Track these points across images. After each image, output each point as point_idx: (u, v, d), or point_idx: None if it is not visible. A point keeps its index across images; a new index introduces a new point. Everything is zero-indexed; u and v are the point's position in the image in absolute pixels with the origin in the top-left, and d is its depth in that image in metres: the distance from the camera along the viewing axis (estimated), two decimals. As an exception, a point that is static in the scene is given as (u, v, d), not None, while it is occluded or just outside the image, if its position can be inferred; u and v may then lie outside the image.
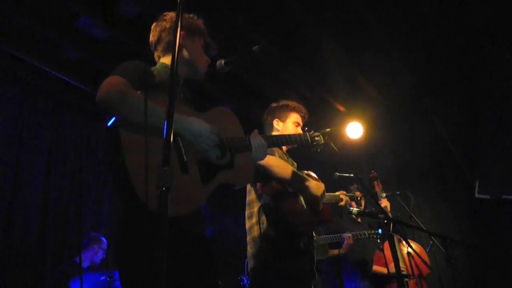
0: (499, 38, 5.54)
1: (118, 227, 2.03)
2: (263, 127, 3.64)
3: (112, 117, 1.89)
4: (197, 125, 2.03)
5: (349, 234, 4.93)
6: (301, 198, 3.19)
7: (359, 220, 5.48)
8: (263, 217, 3.07)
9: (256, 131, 2.46)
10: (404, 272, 4.55)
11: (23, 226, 5.30)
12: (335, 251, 5.13)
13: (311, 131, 2.93)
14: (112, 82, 1.92)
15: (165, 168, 1.39)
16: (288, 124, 3.54)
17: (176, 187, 1.86)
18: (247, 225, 3.22)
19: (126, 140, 1.82)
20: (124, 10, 4.82)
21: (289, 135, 2.81)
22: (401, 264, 4.54)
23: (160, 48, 2.42)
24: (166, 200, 1.37)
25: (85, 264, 5.26)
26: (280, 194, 3.06)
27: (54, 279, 5.01)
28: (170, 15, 2.41)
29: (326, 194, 3.46)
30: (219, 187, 2.15)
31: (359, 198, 3.88)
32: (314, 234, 4.06)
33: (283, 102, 3.64)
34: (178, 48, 1.63)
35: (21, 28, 4.87)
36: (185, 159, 1.95)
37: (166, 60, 2.38)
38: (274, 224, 3.02)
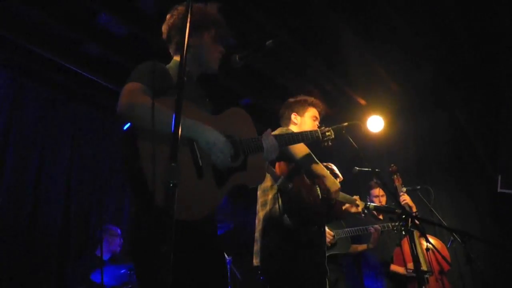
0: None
1: (133, 230, 2.07)
2: (281, 121, 3.67)
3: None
4: (212, 136, 2.03)
5: (376, 226, 4.89)
6: (318, 188, 3.19)
7: (380, 217, 5.43)
8: (278, 204, 3.06)
9: (268, 130, 2.47)
10: (423, 269, 4.51)
11: (45, 219, 5.40)
12: (362, 246, 5.08)
13: (321, 126, 2.95)
14: (131, 91, 1.96)
15: (173, 164, 1.40)
16: (306, 118, 3.58)
17: (193, 192, 1.94)
18: (261, 214, 3.22)
19: (143, 148, 1.85)
20: (144, 7, 4.87)
21: (301, 133, 2.80)
22: (421, 260, 4.50)
23: (170, 46, 2.45)
24: (174, 196, 1.38)
25: (106, 256, 5.35)
26: (298, 177, 3.09)
27: (76, 272, 5.10)
28: (179, 9, 2.41)
29: (344, 194, 3.47)
30: (233, 188, 2.17)
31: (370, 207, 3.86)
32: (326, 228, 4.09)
33: (301, 97, 3.68)
34: (186, 49, 1.63)
35: (42, 25, 4.96)
36: (200, 164, 1.99)
37: (178, 57, 2.31)
38: (288, 208, 3.01)
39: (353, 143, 3.26)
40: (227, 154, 2.06)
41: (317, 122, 3.60)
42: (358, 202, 3.70)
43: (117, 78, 5.63)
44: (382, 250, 5.06)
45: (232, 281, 5.46)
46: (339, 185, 3.23)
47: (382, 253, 5.08)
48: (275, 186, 3.13)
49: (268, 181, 3.23)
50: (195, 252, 2.02)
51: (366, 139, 6.02)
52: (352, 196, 3.78)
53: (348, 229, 4.75)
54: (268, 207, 3.16)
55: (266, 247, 3.09)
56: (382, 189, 5.35)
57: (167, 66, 2.30)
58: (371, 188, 5.42)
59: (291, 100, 3.68)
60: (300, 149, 3.12)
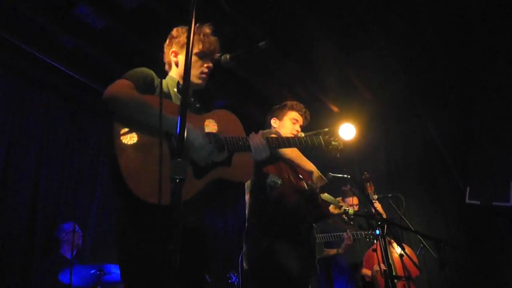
0: (495, 43, 5.59)
1: (117, 222, 2.11)
2: (265, 128, 3.67)
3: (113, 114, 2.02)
4: (190, 135, 2.11)
5: (349, 234, 4.95)
6: (304, 183, 3.22)
7: (351, 223, 5.49)
8: (266, 198, 3.07)
9: (260, 131, 2.48)
10: (395, 274, 4.59)
11: (11, 216, 5.24)
12: (333, 251, 5.15)
13: (326, 135, 2.85)
14: (120, 84, 2.11)
15: (179, 160, 1.39)
16: (285, 121, 3.57)
17: (166, 178, 1.93)
18: (247, 212, 3.21)
19: (118, 137, 1.95)
20: (123, 1, 4.80)
21: (298, 138, 2.73)
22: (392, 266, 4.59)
23: (166, 65, 2.60)
24: (180, 191, 1.37)
25: (69, 254, 5.21)
26: (285, 175, 3.10)
27: (43, 272, 4.97)
28: (173, 31, 2.59)
29: (327, 195, 3.50)
30: (213, 182, 2.23)
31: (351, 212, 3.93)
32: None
33: (284, 102, 3.69)
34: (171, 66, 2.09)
35: (17, 15, 4.82)
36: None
37: (172, 73, 2.56)
38: (276, 205, 3.03)
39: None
40: (203, 153, 2.14)
41: (297, 125, 3.58)
42: (342, 203, 3.73)
43: (91, 72, 5.54)
44: (353, 255, 5.13)
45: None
46: (326, 180, 3.24)
47: (352, 257, 5.15)
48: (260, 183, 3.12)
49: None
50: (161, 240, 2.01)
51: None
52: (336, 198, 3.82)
53: (323, 234, 4.79)
54: (250, 208, 3.17)
55: (253, 249, 3.08)
56: (357, 195, 5.43)
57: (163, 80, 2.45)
58: (346, 196, 5.47)
59: (275, 106, 3.71)
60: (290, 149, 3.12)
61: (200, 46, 2.47)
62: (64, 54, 5.33)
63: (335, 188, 5.98)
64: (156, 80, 2.28)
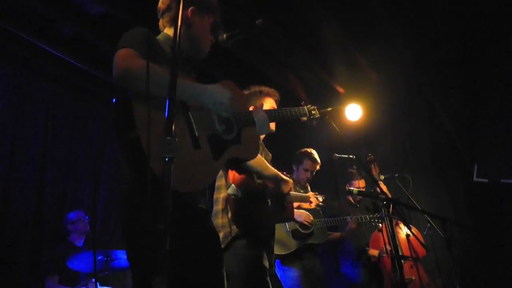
0: (503, 20, 5.49)
1: (125, 207, 2.00)
2: None
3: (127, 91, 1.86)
4: (220, 92, 2.04)
5: (354, 218, 4.92)
6: (268, 193, 3.18)
7: (357, 206, 5.48)
8: (229, 206, 3.07)
9: (256, 106, 2.44)
10: (401, 254, 4.59)
11: (18, 204, 5.27)
12: (337, 234, 5.13)
13: (307, 104, 2.88)
14: (126, 56, 1.89)
15: (168, 138, 1.35)
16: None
17: (190, 163, 1.90)
18: (213, 209, 3.18)
19: (139, 116, 1.79)
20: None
21: (290, 109, 2.74)
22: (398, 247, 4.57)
23: (167, 17, 2.35)
24: (170, 170, 1.34)
25: (79, 243, 5.26)
26: (249, 187, 3.06)
27: (51, 258, 5.00)
28: None
29: (297, 193, 3.49)
30: (227, 162, 2.16)
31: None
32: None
33: (255, 88, 3.55)
34: (183, 23, 1.62)
35: (15, 3, 4.78)
36: (196, 134, 1.94)
37: (170, 31, 2.31)
38: (238, 216, 3.03)
39: (337, 128, 3.25)
40: (236, 107, 2.08)
41: None
42: (312, 199, 3.76)
43: (92, 59, 5.51)
44: (359, 237, 5.11)
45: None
46: (290, 185, 3.20)
47: (358, 240, 5.13)
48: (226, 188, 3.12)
49: (222, 180, 3.17)
50: (189, 228, 1.96)
51: (344, 127, 6.04)
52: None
53: (326, 219, 4.74)
54: (220, 206, 3.13)
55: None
56: (363, 177, 5.40)
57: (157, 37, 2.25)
58: (353, 178, 5.44)
59: (246, 92, 3.52)
60: (256, 159, 2.98)
61: (214, 18, 2.36)
62: (64, 42, 5.30)
63: (341, 169, 6.01)
64: (155, 41, 2.12)
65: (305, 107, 2.83)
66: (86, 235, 5.33)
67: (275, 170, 3.17)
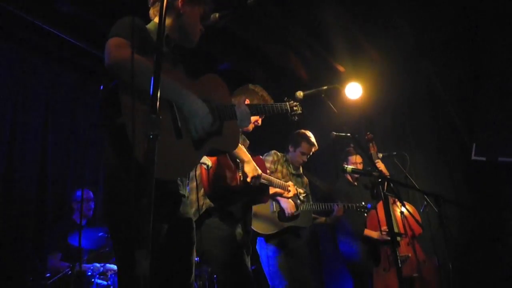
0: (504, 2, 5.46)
1: (108, 183, 2.10)
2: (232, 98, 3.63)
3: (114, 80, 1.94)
4: (195, 105, 2.09)
5: (341, 206, 4.96)
6: (240, 173, 3.26)
7: (355, 184, 5.52)
8: (201, 178, 3.15)
9: (242, 98, 2.50)
10: (396, 231, 4.65)
11: (21, 183, 5.33)
12: (322, 219, 5.19)
13: (290, 100, 2.92)
14: (118, 46, 1.95)
15: (153, 115, 1.40)
16: None
17: (172, 152, 1.97)
18: (189, 187, 3.26)
19: (126, 104, 1.87)
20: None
21: (271, 105, 2.82)
22: (394, 224, 4.63)
23: (157, 6, 2.38)
24: (154, 147, 1.39)
25: (82, 222, 5.33)
26: (221, 161, 3.15)
27: (54, 236, 5.10)
28: None
29: (276, 180, 3.58)
30: (208, 152, 2.27)
31: (303, 194, 4.01)
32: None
33: (260, 90, 3.63)
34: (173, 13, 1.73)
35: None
36: (179, 125, 2.02)
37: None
38: (209, 186, 3.11)
39: (333, 107, 3.28)
40: (206, 125, 2.13)
41: (260, 120, 3.64)
42: (291, 188, 3.83)
43: (91, 38, 5.51)
44: (355, 216, 5.15)
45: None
46: (259, 172, 3.22)
47: (355, 218, 5.18)
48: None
49: None
50: (167, 213, 2.08)
51: (344, 106, 6.06)
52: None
53: (314, 203, 4.79)
54: (193, 184, 3.22)
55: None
56: (360, 154, 5.43)
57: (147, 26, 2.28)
58: (349, 154, 5.49)
59: (251, 87, 3.64)
60: None
61: (205, 8, 2.40)
62: (62, 19, 5.29)
63: (339, 147, 6.04)
64: (145, 31, 2.17)
65: (287, 103, 2.87)
66: (87, 218, 5.42)
67: (245, 151, 3.24)
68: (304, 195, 4.10)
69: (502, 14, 5.59)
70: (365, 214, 4.97)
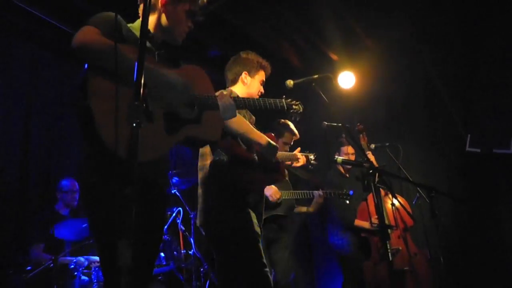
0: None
1: (83, 172, 2.16)
2: (226, 74, 3.58)
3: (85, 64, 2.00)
4: (173, 78, 2.16)
5: (320, 192, 4.98)
6: (255, 156, 3.23)
7: (347, 175, 5.56)
8: (215, 172, 3.12)
9: (221, 91, 2.51)
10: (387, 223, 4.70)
11: (3, 172, 5.28)
12: (304, 208, 5.21)
13: (288, 98, 2.90)
14: (86, 31, 2.05)
15: (136, 103, 1.41)
16: (256, 81, 3.49)
17: (140, 134, 1.96)
18: (199, 178, 3.25)
19: (93, 86, 1.93)
20: None
21: (264, 100, 2.78)
22: (385, 216, 4.68)
23: (142, 5, 2.45)
24: (137, 135, 1.40)
25: (65, 212, 5.34)
26: (234, 150, 3.11)
27: (37, 226, 5.09)
28: None
29: (282, 153, 3.52)
30: (185, 140, 2.25)
31: (312, 157, 3.94)
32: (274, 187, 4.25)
33: (254, 56, 3.55)
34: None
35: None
36: (150, 108, 2.01)
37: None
38: (225, 180, 3.08)
39: (324, 96, 3.29)
40: (186, 94, 2.20)
41: (262, 88, 3.55)
42: (299, 155, 3.74)
43: (77, 21, 5.44)
44: (347, 207, 5.19)
45: (197, 236, 5.54)
46: (276, 150, 3.19)
47: (347, 210, 5.22)
48: (212, 154, 3.17)
49: (206, 147, 3.21)
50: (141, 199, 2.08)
51: (337, 95, 6.07)
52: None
53: (294, 191, 4.80)
54: (205, 174, 3.19)
55: (204, 211, 3.16)
56: (351, 144, 5.46)
57: (130, 25, 2.33)
58: (342, 145, 5.52)
59: (244, 56, 3.54)
60: (238, 121, 3.03)
61: (189, 5, 2.43)
62: (48, 2, 5.24)
63: (331, 137, 6.06)
64: (124, 26, 2.23)
65: (284, 100, 2.84)
66: (71, 208, 5.41)
67: (260, 133, 3.17)
68: (314, 158, 3.98)
69: (499, 6, 5.61)
70: (347, 202, 4.98)
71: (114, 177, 1.87)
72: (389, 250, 3.46)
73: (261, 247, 3.11)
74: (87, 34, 2.03)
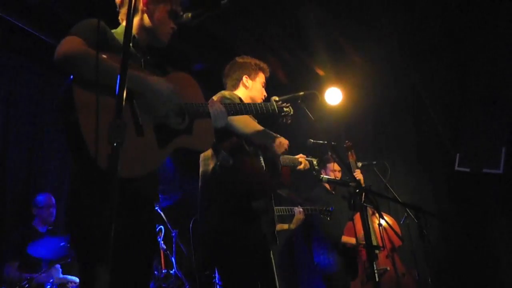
0: (492, 4, 5.56)
1: (70, 190, 2.11)
2: (225, 80, 3.59)
3: (69, 76, 1.95)
4: (160, 85, 2.11)
5: (300, 209, 4.98)
6: (261, 158, 3.21)
7: (333, 192, 5.58)
8: (219, 176, 3.05)
9: (212, 98, 2.49)
10: (375, 244, 4.70)
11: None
12: (285, 226, 5.20)
13: (279, 100, 2.91)
14: (69, 42, 1.99)
15: (117, 120, 1.40)
16: (257, 84, 3.51)
17: (131, 148, 1.94)
18: (200, 183, 3.19)
19: (79, 99, 1.88)
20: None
21: (255, 104, 2.80)
22: (372, 236, 4.68)
23: (123, 10, 2.44)
24: (118, 155, 1.38)
25: (43, 229, 5.27)
26: (239, 151, 3.07)
27: (12, 244, 5.01)
28: None
29: (285, 156, 3.49)
30: (176, 151, 2.22)
31: (315, 163, 3.89)
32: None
33: (251, 59, 3.59)
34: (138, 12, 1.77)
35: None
36: (140, 122, 2.01)
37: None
38: (230, 184, 3.02)
39: (309, 114, 3.31)
40: (176, 101, 2.15)
41: (264, 90, 3.56)
42: (302, 159, 3.70)
43: (58, 31, 5.41)
44: (333, 226, 5.19)
45: (178, 256, 5.50)
46: (286, 145, 3.18)
47: (333, 227, 5.22)
48: (215, 158, 3.11)
49: (208, 151, 3.15)
50: (124, 212, 2.03)
51: (323, 111, 6.10)
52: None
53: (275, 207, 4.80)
54: (208, 179, 3.13)
55: (208, 221, 3.08)
56: (337, 162, 5.48)
57: (113, 31, 2.30)
58: (328, 162, 5.54)
59: (240, 60, 3.57)
60: (243, 121, 3.04)
61: (171, 5, 2.42)
62: (29, 11, 5.21)
63: (318, 157, 6.07)
64: (109, 33, 2.20)
65: (274, 102, 2.85)
66: (49, 224, 5.34)
67: (265, 129, 3.16)
68: (316, 162, 3.92)
69: (488, 20, 5.70)
70: (328, 219, 4.97)
71: (101, 195, 1.83)
72: (375, 271, 3.46)
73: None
74: (71, 45, 1.98)
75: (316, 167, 3.88)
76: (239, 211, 3.01)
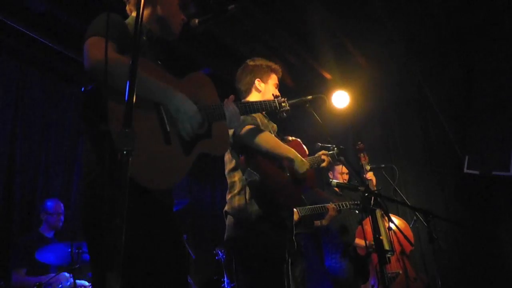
0: (498, 5, 5.54)
1: (88, 194, 2.03)
2: (238, 86, 3.61)
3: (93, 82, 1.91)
4: (183, 103, 2.05)
5: (333, 205, 4.99)
6: (286, 170, 3.23)
7: (341, 193, 5.56)
8: (247, 190, 3.11)
9: (231, 97, 2.49)
10: (385, 248, 4.67)
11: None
12: (317, 222, 5.20)
13: (278, 96, 2.95)
14: (95, 46, 1.91)
15: (126, 130, 1.39)
16: (270, 86, 3.54)
17: (161, 159, 1.95)
18: (228, 196, 3.23)
19: (113, 109, 1.81)
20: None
21: (261, 102, 2.82)
22: (384, 240, 4.65)
23: (133, 1, 2.40)
24: (127, 165, 1.37)
25: (50, 234, 5.27)
26: (266, 169, 3.11)
27: (20, 250, 5.02)
28: None
29: (308, 158, 3.49)
30: (198, 157, 2.19)
31: (336, 153, 3.86)
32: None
33: (262, 61, 3.61)
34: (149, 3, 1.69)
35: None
36: (168, 129, 1.99)
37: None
38: (258, 199, 3.08)
39: (317, 117, 3.30)
40: (195, 125, 2.09)
41: (277, 90, 3.57)
42: (324, 157, 3.67)
43: (64, 38, 5.45)
44: (345, 230, 5.18)
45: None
46: (307, 165, 3.23)
47: (345, 232, 5.21)
48: (240, 170, 3.17)
49: (233, 164, 3.23)
50: (154, 225, 2.02)
51: (331, 115, 6.09)
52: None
53: (310, 206, 4.81)
54: (235, 190, 3.19)
55: (235, 227, 3.15)
56: (346, 166, 5.45)
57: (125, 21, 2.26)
58: (335, 164, 5.52)
59: (252, 63, 3.60)
60: (265, 138, 3.10)
61: None
62: (35, 19, 5.24)
63: (335, 146, 6.05)
64: (127, 29, 2.14)
65: (275, 99, 2.88)
66: (56, 230, 5.35)
67: (288, 147, 3.21)
68: (336, 152, 3.83)
69: (496, 21, 5.67)
70: (356, 212, 4.98)
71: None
72: (386, 276, 3.43)
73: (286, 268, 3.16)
74: (99, 51, 1.85)
75: (338, 157, 3.85)
76: (267, 220, 3.09)
